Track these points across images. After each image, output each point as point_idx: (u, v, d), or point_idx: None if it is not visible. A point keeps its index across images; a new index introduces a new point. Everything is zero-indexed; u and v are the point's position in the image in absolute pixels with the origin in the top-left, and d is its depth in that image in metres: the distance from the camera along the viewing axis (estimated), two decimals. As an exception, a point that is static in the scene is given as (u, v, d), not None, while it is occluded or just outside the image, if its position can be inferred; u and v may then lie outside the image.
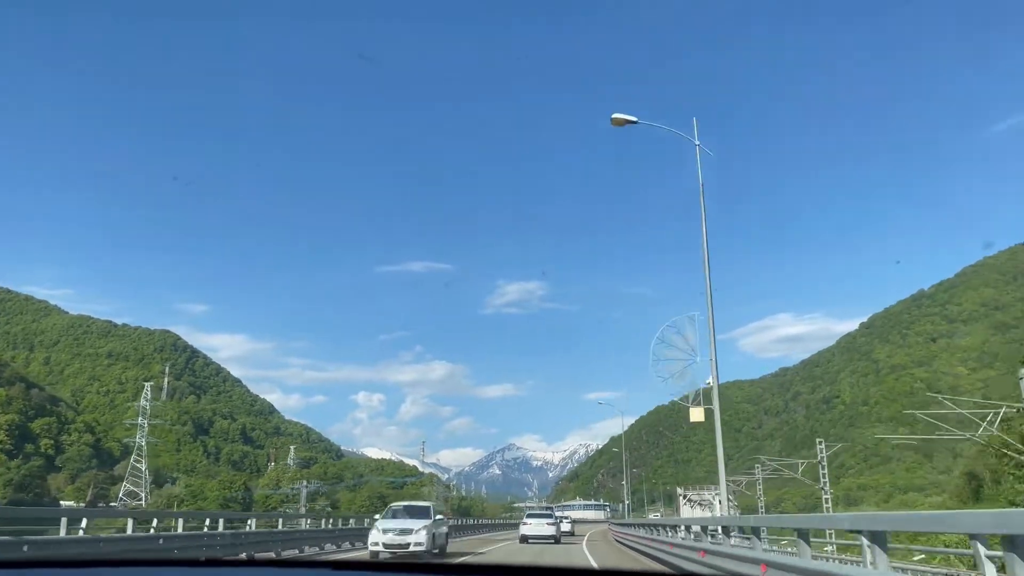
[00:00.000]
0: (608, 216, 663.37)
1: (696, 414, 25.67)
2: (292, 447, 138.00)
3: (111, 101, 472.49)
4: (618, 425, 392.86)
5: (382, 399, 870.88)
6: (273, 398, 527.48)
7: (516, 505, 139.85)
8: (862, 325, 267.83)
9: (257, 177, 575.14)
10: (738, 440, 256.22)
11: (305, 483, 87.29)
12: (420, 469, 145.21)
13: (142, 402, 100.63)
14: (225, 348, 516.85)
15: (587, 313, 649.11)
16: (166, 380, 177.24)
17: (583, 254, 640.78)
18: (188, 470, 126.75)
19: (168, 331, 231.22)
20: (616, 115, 22.29)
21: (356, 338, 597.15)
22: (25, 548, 12.03)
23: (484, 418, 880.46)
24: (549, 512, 40.27)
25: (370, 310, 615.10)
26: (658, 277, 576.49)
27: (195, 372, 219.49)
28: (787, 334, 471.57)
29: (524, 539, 33.92)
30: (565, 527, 41.98)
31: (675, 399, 28.31)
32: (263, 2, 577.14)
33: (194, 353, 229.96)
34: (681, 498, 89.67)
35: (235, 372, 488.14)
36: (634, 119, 22.48)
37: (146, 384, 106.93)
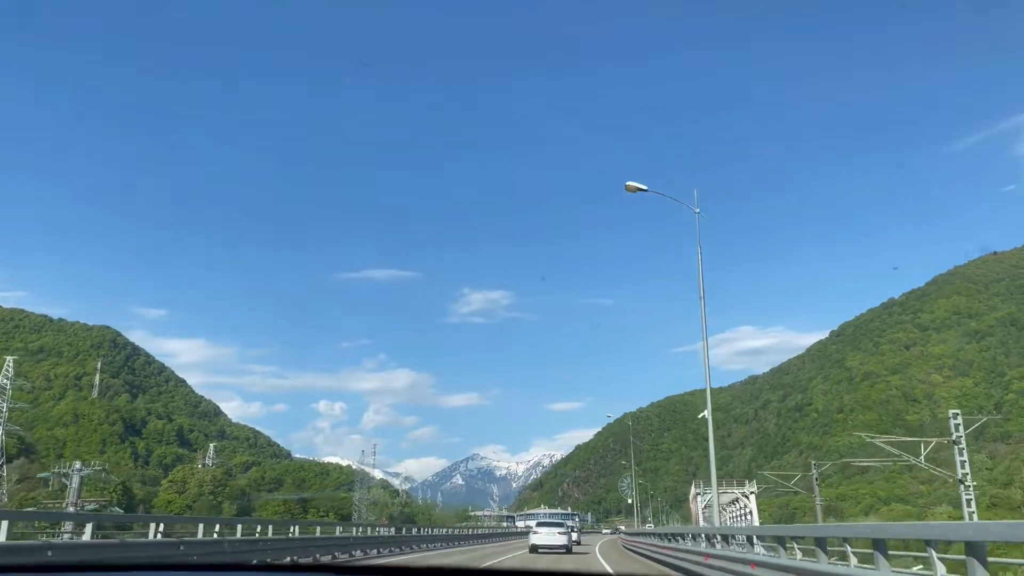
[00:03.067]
0: (573, 226, 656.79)
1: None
2: (212, 445, 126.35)
3: (72, 94, 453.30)
4: (584, 435, 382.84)
5: (344, 407, 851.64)
6: (233, 405, 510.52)
7: (473, 514, 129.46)
8: (832, 333, 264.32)
9: (217, 180, 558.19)
10: (707, 448, 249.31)
11: (79, 466, 67.91)
12: (370, 474, 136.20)
13: (1, 380, 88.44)
14: (184, 353, 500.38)
15: (552, 323, 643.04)
16: (97, 377, 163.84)
17: (548, 264, 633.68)
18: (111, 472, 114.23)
19: (108, 327, 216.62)
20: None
21: (318, 345, 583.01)
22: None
23: (448, 427, 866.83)
24: (560, 521, 38.82)
25: (333, 317, 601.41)
26: (618, 287, 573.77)
27: (135, 371, 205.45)
28: (750, 347, 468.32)
29: (534, 549, 33.01)
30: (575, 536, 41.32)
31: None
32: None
33: (135, 351, 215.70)
34: (698, 499, 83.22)
35: (193, 379, 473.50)
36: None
37: (8, 358, 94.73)
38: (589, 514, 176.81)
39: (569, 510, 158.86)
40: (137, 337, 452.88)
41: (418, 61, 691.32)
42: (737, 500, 75.19)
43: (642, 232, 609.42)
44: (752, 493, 73.84)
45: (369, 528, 34.37)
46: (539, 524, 36.22)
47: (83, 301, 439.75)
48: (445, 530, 41.48)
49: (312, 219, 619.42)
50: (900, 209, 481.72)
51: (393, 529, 35.55)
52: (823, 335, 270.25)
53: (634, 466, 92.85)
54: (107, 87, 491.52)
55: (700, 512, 78.59)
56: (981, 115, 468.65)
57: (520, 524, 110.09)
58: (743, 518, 72.52)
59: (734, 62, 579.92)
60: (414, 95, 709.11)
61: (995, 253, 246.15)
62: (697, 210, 23.91)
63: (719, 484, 63.55)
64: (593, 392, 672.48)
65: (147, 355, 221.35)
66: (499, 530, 73.06)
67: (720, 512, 69.48)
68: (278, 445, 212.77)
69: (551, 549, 32.62)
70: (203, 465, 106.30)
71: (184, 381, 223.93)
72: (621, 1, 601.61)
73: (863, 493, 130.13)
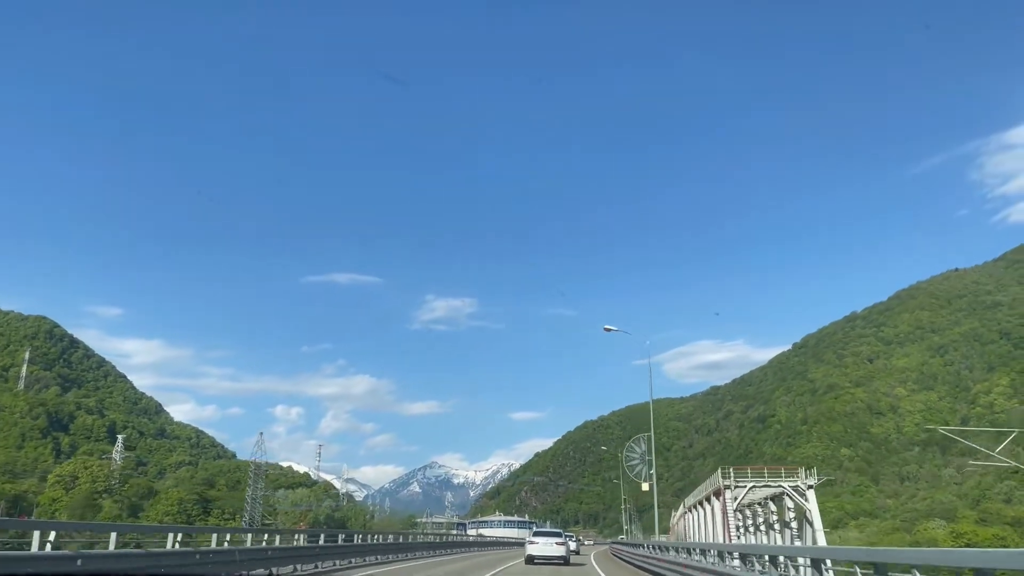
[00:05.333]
0: (536, 237, 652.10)
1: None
2: (120, 436, 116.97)
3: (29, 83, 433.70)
4: (544, 444, 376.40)
5: (301, 413, 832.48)
6: (187, 408, 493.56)
7: (421, 520, 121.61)
8: (795, 345, 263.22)
9: (177, 180, 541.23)
10: (668, 459, 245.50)
11: None
12: (313, 477, 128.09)
13: None
14: (139, 354, 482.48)
15: (514, 332, 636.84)
16: (24, 368, 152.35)
17: (512, 273, 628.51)
18: (26, 469, 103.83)
19: (45, 318, 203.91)
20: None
21: (277, 349, 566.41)
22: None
23: (406, 435, 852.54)
24: (558, 531, 38.45)
25: (292, 321, 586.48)
26: (582, 300, 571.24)
27: (71, 364, 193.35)
28: (709, 360, 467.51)
29: (530, 559, 32.37)
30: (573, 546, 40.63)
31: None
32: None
33: (73, 343, 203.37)
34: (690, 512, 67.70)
35: (147, 379, 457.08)
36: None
37: None
38: (548, 522, 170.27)
39: (526, 518, 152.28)
40: (91, 336, 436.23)
41: (379, 63, 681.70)
42: (778, 497, 54.56)
43: (603, 249, 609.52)
44: (810, 487, 52.34)
45: (279, 537, 27.18)
46: (535, 533, 36.24)
47: (27, 297, 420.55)
48: (378, 538, 34.41)
49: (275, 222, 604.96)
50: (862, 227, 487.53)
51: (304, 537, 28.45)
52: (783, 349, 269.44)
53: (624, 476, 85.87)
54: (67, 76, 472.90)
55: (708, 521, 58.02)
56: (939, 140, 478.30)
57: (472, 532, 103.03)
58: (790, 529, 52.11)
59: (693, 83, 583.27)
60: (381, 100, 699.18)
61: (956, 270, 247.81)
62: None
63: (744, 473, 53.65)
64: (554, 402, 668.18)
65: (86, 348, 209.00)
66: (449, 539, 64.91)
67: (742, 517, 55.11)
68: (222, 446, 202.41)
69: (548, 560, 31.85)
70: (110, 459, 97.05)
71: (125, 377, 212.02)
72: (566, 17, 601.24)
73: (830, 507, 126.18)
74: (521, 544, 73.32)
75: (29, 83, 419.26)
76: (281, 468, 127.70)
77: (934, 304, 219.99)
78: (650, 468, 66.57)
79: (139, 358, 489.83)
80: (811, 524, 51.54)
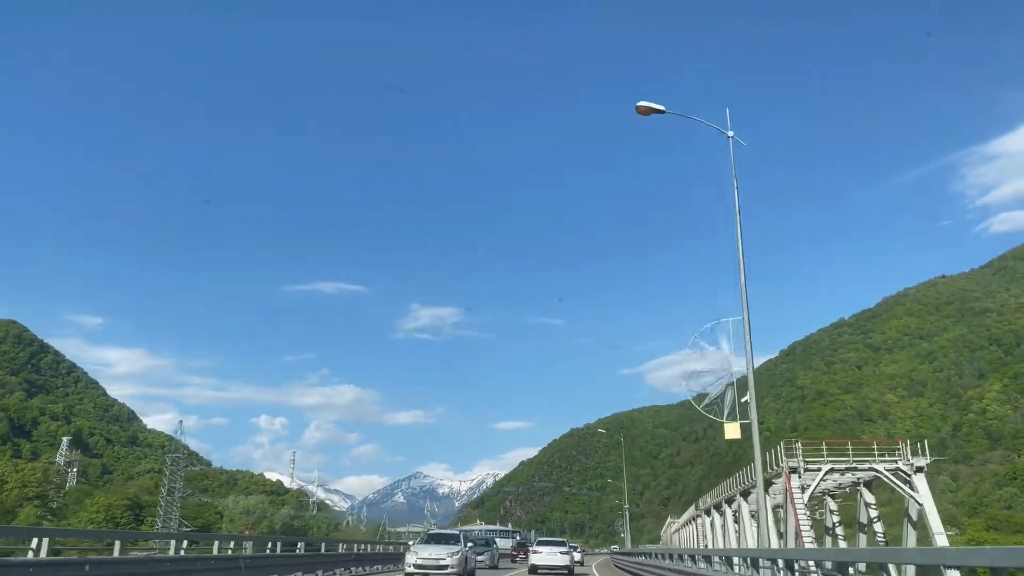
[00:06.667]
0: (522, 246, 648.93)
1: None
2: (65, 438, 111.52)
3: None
4: (529, 453, 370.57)
5: (285, 423, 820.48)
6: (168, 418, 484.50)
7: (396, 530, 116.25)
8: (782, 352, 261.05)
9: (160, 186, 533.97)
10: (655, 467, 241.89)
11: None
12: (287, 485, 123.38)
13: None
14: (121, 363, 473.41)
15: (500, 342, 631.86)
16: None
17: (497, 282, 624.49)
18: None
19: (14, 322, 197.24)
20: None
21: (260, 358, 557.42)
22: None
23: (391, 445, 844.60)
24: (562, 540, 38.08)
25: (276, 330, 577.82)
26: (571, 310, 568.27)
27: (40, 369, 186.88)
28: (695, 369, 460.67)
29: (533, 569, 32.10)
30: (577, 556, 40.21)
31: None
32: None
33: (43, 348, 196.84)
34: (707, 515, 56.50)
35: (129, 389, 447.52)
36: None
37: None
38: (532, 532, 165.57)
39: (509, 527, 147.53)
40: (71, 345, 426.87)
41: (365, 70, 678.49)
42: (869, 483, 41.04)
43: (590, 258, 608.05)
44: (919, 470, 38.00)
45: (217, 543, 22.73)
46: (539, 543, 35.99)
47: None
48: (342, 548, 29.99)
49: (258, 230, 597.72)
50: (847, 236, 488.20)
51: (251, 545, 24.22)
52: (770, 357, 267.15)
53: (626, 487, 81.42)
54: (48, 77, 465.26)
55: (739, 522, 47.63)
56: (921, 151, 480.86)
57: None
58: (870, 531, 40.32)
59: (678, 93, 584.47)
60: (367, 108, 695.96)
61: (943, 276, 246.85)
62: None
63: (816, 452, 38.83)
64: (540, 412, 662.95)
65: (56, 354, 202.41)
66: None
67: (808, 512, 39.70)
68: (197, 454, 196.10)
69: (551, 569, 31.51)
70: (55, 463, 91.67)
71: (96, 383, 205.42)
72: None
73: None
74: (504, 555, 68.79)
75: (5, 81, 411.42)
76: (252, 476, 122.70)
77: (922, 311, 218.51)
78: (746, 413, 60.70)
79: (121, 367, 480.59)
80: (914, 522, 38.55)
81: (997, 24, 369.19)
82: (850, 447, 40.68)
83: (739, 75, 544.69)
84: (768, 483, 41.75)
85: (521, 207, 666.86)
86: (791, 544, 35.95)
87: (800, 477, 37.54)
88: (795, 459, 37.88)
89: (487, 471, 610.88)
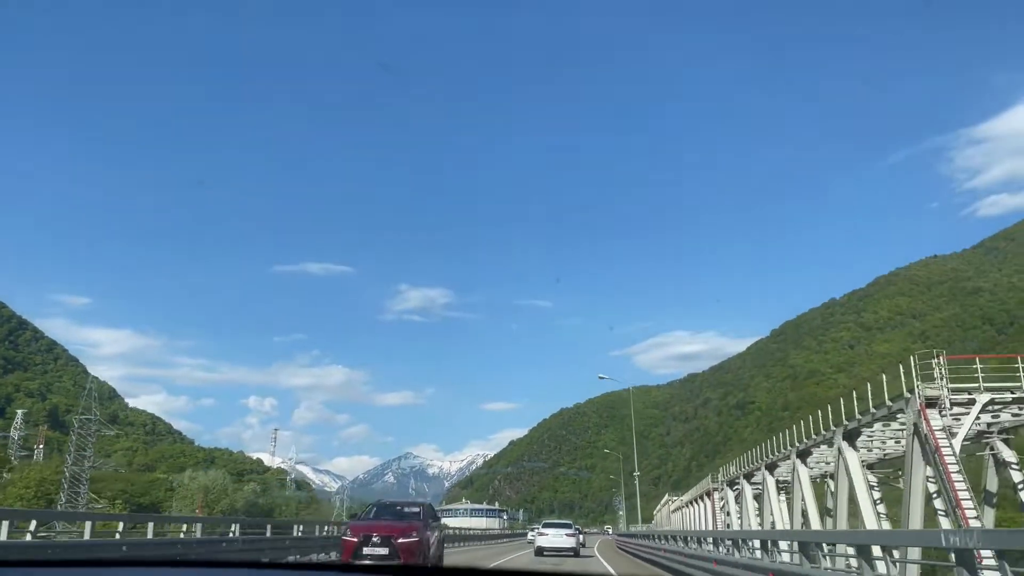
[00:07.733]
0: (511, 227, 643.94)
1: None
2: (19, 412, 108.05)
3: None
4: (519, 433, 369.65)
5: (274, 404, 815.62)
6: (158, 399, 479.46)
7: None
8: (773, 332, 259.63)
9: (149, 168, 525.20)
10: (646, 447, 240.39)
11: None
12: (268, 465, 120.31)
13: None
14: (108, 343, 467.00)
15: (489, 323, 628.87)
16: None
17: (487, 264, 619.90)
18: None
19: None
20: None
21: (249, 338, 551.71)
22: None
23: (381, 426, 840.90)
24: (568, 523, 36.42)
25: (265, 311, 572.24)
26: (559, 292, 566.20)
27: (18, 346, 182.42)
28: (683, 351, 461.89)
29: (540, 552, 31.79)
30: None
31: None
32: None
33: (21, 324, 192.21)
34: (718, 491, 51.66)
35: (118, 370, 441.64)
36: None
37: None
38: (520, 511, 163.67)
39: (496, 506, 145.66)
40: (57, 325, 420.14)
41: (352, 53, 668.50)
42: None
43: (578, 240, 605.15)
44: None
45: (154, 525, 19.50)
46: (545, 525, 35.50)
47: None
48: (299, 531, 26.50)
49: (246, 211, 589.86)
50: (837, 216, 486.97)
51: (200, 527, 21.04)
52: (761, 336, 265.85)
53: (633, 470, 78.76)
54: (37, 60, 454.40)
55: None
56: (909, 134, 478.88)
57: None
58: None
59: (666, 76, 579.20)
60: (356, 91, 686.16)
61: (935, 256, 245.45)
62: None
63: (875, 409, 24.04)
64: (528, 393, 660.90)
65: (35, 329, 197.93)
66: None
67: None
68: (180, 433, 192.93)
69: (557, 552, 31.52)
70: (10, 437, 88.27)
71: (77, 361, 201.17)
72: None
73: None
74: (493, 537, 66.29)
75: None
76: (232, 454, 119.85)
77: (914, 290, 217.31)
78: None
79: (108, 348, 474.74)
80: None
81: (985, 8, 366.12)
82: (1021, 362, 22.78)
83: (730, 55, 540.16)
84: (773, 465, 38.66)
85: (510, 189, 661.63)
86: (945, 523, 22.44)
87: (943, 415, 21.47)
88: (936, 385, 21.77)
89: (477, 452, 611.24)
